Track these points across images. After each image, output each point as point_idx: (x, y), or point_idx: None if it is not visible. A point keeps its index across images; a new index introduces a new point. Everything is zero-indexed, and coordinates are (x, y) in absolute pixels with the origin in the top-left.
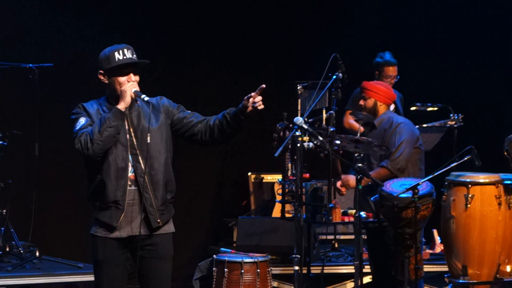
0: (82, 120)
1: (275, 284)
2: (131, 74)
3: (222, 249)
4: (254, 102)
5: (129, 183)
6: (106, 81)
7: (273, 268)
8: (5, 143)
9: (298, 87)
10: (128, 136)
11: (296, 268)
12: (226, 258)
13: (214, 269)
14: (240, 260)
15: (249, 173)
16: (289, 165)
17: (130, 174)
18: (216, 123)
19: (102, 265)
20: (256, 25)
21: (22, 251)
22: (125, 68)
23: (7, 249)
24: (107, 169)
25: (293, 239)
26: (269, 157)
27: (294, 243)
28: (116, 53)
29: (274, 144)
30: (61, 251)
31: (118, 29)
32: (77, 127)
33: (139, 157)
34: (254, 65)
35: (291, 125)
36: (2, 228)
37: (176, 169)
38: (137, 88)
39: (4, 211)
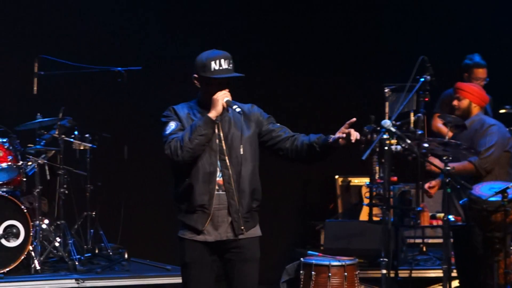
0: (173, 125)
1: (362, 287)
2: (225, 86)
3: (309, 252)
4: (347, 136)
5: (216, 187)
6: (199, 86)
7: (360, 272)
8: (95, 146)
9: (386, 90)
10: (218, 141)
11: (384, 271)
12: (313, 261)
13: (301, 272)
14: (327, 263)
15: (336, 176)
16: (377, 168)
17: (219, 179)
18: (304, 148)
19: (190, 267)
20: (343, 28)
21: (111, 253)
22: (219, 79)
23: (97, 251)
24: (195, 173)
25: (381, 242)
26: (357, 160)
27: (382, 247)
28: (212, 62)
29: (362, 147)
30: (149, 253)
31: (205, 33)
32: (167, 132)
33: (228, 163)
34: (342, 68)
35: (378, 128)
36: (92, 230)
37: (263, 172)
38: (229, 98)
39: (94, 213)
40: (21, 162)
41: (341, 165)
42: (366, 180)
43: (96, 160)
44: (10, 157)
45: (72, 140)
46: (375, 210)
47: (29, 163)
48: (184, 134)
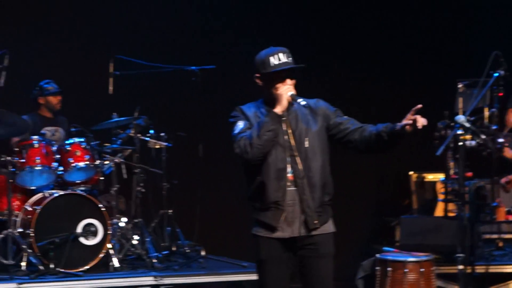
0: (241, 124)
1: (439, 283)
2: (287, 79)
3: (385, 248)
4: (414, 122)
5: (288, 183)
6: (262, 84)
7: (436, 268)
8: (170, 145)
9: (460, 85)
10: (286, 137)
11: (460, 267)
12: (389, 257)
13: (377, 268)
14: (403, 259)
15: (411, 172)
16: (451, 163)
17: (289, 175)
18: (373, 138)
19: (265, 264)
20: (417, 23)
21: (188, 251)
22: (280, 72)
23: (174, 249)
24: (267, 171)
25: (457, 238)
26: (431, 156)
27: (458, 242)
28: (271, 58)
29: (436, 143)
30: (225, 250)
31: (277, 31)
32: (236, 131)
33: (297, 159)
34: (415, 63)
35: (452, 124)
36: (169, 228)
37: (337, 169)
38: (293, 92)
39: (170, 211)
40: (98, 161)
41: (415, 161)
42: (441, 176)
43: (171, 158)
44: (87, 157)
45: (147, 139)
46: (450, 206)
47: (106, 162)
48: (252, 131)
